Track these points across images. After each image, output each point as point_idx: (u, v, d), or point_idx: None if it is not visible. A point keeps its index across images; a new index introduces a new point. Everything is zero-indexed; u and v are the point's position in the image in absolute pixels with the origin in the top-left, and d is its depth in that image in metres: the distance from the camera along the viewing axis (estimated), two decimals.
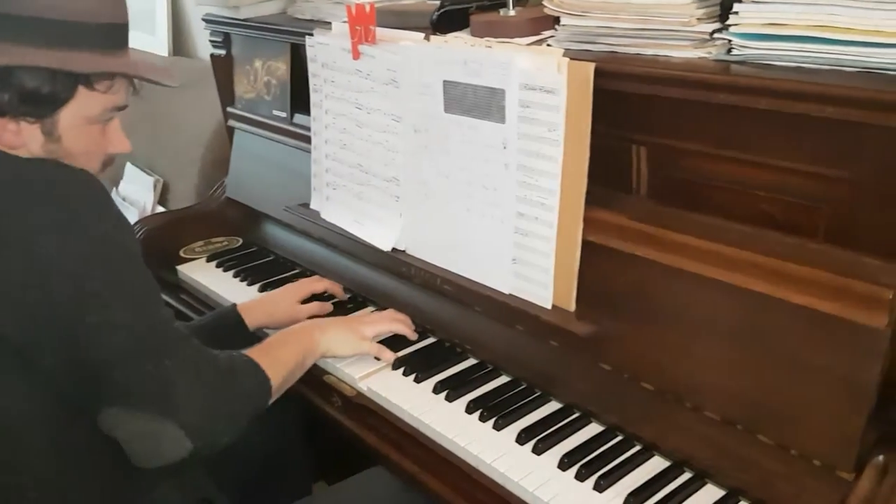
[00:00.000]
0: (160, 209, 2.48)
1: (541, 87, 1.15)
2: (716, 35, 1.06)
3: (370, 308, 1.59)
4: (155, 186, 2.52)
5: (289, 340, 1.30)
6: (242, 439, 1.46)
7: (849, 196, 0.97)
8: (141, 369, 0.99)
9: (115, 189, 2.68)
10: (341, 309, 1.57)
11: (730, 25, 1.04)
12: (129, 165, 2.64)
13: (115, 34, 1.10)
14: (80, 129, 1.08)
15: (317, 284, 1.58)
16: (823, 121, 0.92)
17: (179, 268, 1.86)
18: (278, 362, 1.21)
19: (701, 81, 1.02)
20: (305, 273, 1.75)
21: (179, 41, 2.83)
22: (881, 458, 0.93)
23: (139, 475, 1.06)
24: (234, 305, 1.48)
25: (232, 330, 1.44)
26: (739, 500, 1.05)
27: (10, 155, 1.04)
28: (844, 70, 0.95)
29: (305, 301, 1.55)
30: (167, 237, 1.91)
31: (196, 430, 1.02)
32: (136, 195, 2.59)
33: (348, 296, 1.62)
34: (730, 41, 1.05)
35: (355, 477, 1.32)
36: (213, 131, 2.31)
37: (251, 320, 1.46)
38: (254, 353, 1.19)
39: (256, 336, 1.46)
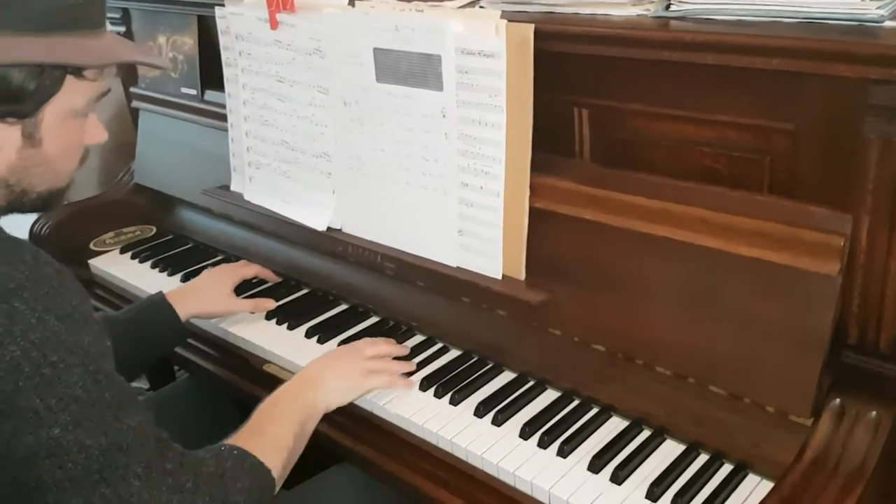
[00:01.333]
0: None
1: (479, 52, 1.12)
2: None
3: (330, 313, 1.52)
4: None
5: (281, 412, 1.10)
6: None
7: (793, 147, 0.99)
8: (95, 494, 0.83)
9: None
10: (272, 293, 1.50)
11: None
12: None
13: (94, 9, 0.94)
14: (62, 125, 0.92)
15: (246, 269, 1.50)
16: (764, 73, 0.93)
17: (91, 262, 1.75)
18: (276, 444, 1.04)
19: (640, 39, 1.01)
20: (229, 259, 1.67)
21: None
22: (837, 401, 0.96)
23: None
24: (162, 294, 1.38)
25: (162, 323, 1.34)
26: (699, 454, 1.07)
27: None
28: (784, 21, 0.95)
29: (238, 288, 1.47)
30: (74, 230, 1.79)
31: None
32: None
33: (280, 279, 1.56)
34: None
35: (317, 476, 1.26)
36: (113, 114, 2.16)
37: (183, 310, 1.36)
38: (245, 438, 1.03)
39: (187, 329, 1.38)
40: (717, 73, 0.99)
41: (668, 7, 1.05)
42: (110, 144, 2.31)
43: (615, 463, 1.06)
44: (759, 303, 1.00)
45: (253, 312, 1.44)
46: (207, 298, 1.40)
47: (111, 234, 1.83)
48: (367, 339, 1.30)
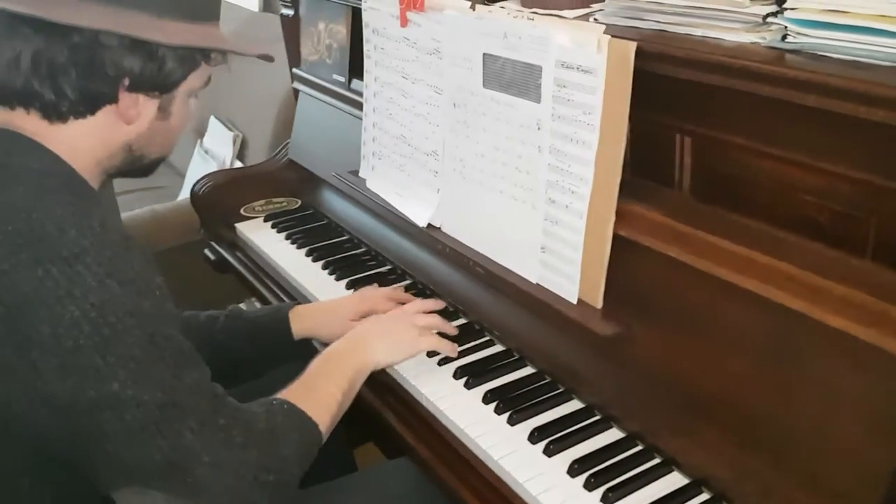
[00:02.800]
0: (238, 164, 2.53)
1: (578, 67, 1.07)
2: (770, 19, 0.95)
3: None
4: (234, 142, 2.57)
5: (334, 369, 1.16)
6: None
7: None
8: (153, 446, 0.89)
9: (199, 141, 2.75)
10: (382, 280, 1.54)
11: (786, 9, 0.92)
12: (212, 119, 2.70)
13: (219, 3, 1.08)
14: (184, 102, 1.06)
15: (381, 305, 1.38)
16: (876, 123, 0.81)
17: (238, 225, 1.88)
18: (325, 400, 1.10)
19: (742, 69, 0.91)
20: (353, 240, 1.73)
21: None
22: None
23: None
24: (290, 305, 1.39)
25: (273, 332, 1.35)
26: None
27: (33, 188, 0.92)
28: None
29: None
30: (230, 194, 1.91)
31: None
32: (217, 149, 2.66)
33: (384, 265, 1.58)
34: (785, 27, 0.93)
35: (378, 465, 1.30)
36: (288, 90, 2.30)
37: (300, 327, 1.35)
38: (297, 393, 1.08)
39: (296, 345, 1.37)
40: (829, 117, 0.87)
41: (784, 38, 0.94)
42: (283, 117, 2.47)
43: None
44: (839, 378, 0.88)
45: None
46: (326, 322, 1.36)
47: (262, 201, 1.94)
48: (416, 305, 1.35)
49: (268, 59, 1.12)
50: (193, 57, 1.02)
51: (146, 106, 1.02)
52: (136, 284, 0.91)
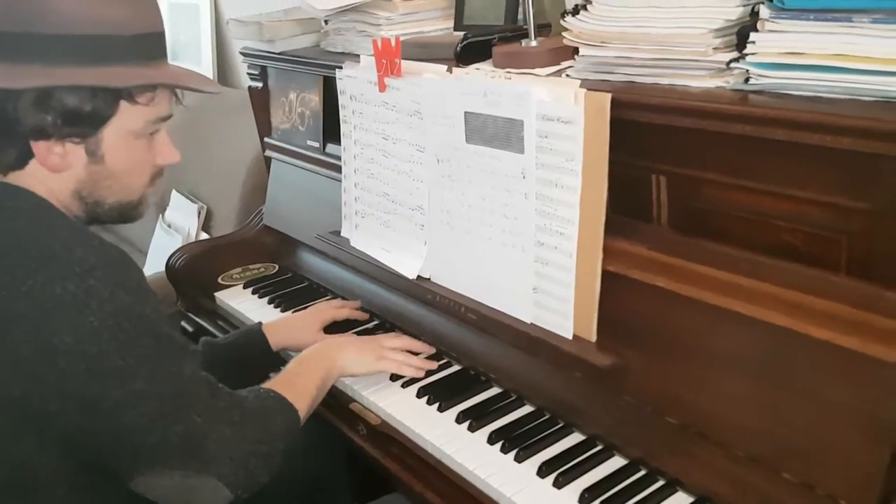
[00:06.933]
0: (203, 235, 2.55)
1: (558, 118, 1.15)
2: (732, 64, 1.05)
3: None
4: (199, 213, 2.59)
5: (308, 367, 1.32)
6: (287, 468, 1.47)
7: (871, 228, 0.95)
8: (171, 431, 1.00)
9: (161, 216, 2.76)
10: (365, 334, 1.58)
11: (747, 55, 1.02)
12: (174, 193, 2.71)
13: (150, 44, 1.06)
14: (125, 145, 1.06)
15: (339, 311, 1.61)
16: (841, 151, 0.90)
17: (217, 294, 1.90)
18: (302, 392, 1.24)
19: (714, 111, 1.01)
20: (336, 299, 1.77)
21: (224, 71, 2.91)
22: None
23: None
24: (260, 326, 1.52)
25: (256, 349, 1.47)
26: None
27: (34, 219, 1.01)
28: (862, 100, 0.92)
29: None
30: (207, 264, 1.94)
31: (232, 477, 1.04)
32: (180, 222, 2.67)
33: (372, 321, 1.63)
34: (747, 70, 1.03)
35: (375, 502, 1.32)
36: (254, 158, 2.35)
37: (275, 341, 1.50)
38: (278, 385, 1.22)
39: (280, 356, 1.50)
40: (795, 148, 0.97)
41: (747, 80, 1.04)
42: (250, 185, 2.50)
43: None
44: (828, 387, 0.96)
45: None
46: (296, 334, 1.53)
47: (239, 269, 1.97)
48: (390, 334, 1.51)
49: (202, 91, 1.14)
50: (104, 97, 1.01)
51: (73, 153, 1.03)
52: (138, 292, 1.00)
